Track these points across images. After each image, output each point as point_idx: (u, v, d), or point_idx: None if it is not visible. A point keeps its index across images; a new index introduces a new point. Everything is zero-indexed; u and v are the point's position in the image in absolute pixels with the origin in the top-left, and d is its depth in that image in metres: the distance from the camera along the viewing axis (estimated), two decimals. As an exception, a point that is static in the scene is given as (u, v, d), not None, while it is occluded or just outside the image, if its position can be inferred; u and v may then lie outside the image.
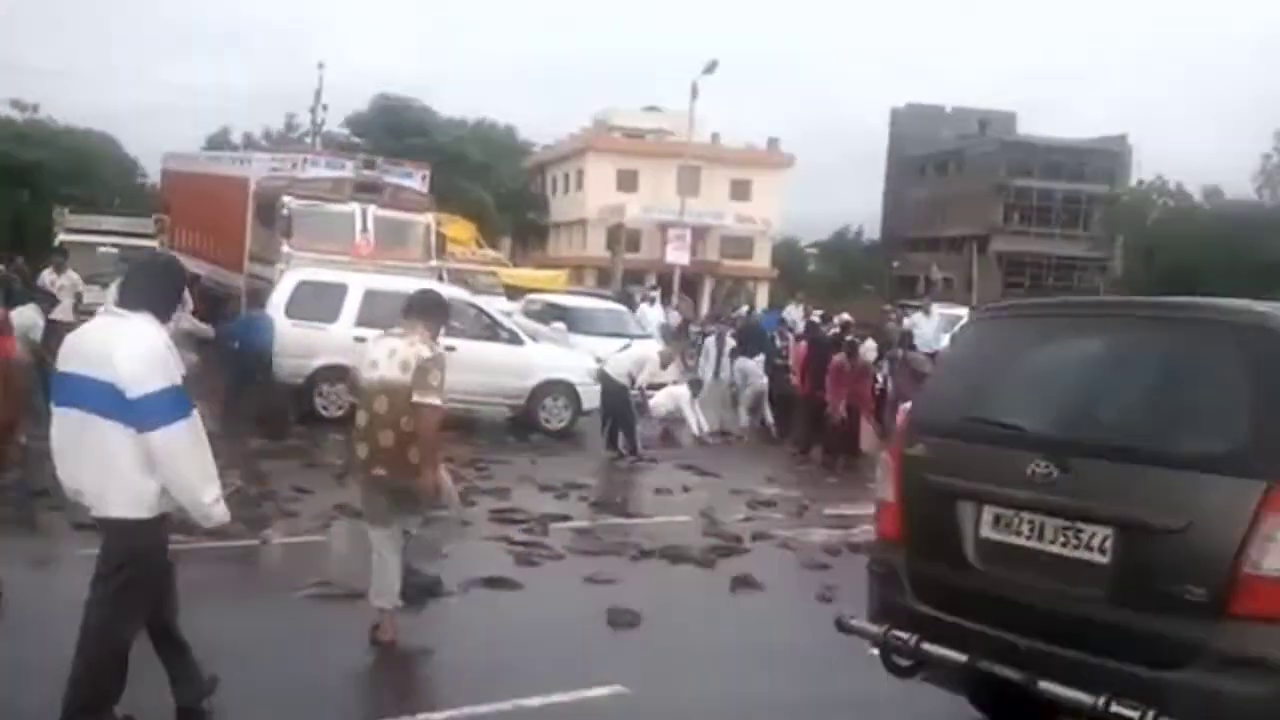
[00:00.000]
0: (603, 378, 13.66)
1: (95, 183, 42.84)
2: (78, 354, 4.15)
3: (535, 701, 5.25)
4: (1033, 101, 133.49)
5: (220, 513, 4.23)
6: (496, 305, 17.34)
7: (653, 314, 22.30)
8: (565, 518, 9.35)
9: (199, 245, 20.34)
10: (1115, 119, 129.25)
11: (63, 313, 13.08)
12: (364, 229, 16.49)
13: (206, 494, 4.15)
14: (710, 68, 36.32)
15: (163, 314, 4.28)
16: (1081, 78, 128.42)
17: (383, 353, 5.73)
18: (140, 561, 4.18)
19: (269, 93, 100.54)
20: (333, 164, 18.54)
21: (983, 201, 65.51)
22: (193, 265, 20.04)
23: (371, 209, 16.68)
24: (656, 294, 26.48)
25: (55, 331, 9.67)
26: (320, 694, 5.11)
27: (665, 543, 8.61)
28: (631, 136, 59.54)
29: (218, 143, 49.69)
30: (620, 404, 13.47)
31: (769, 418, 15.67)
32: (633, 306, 23.16)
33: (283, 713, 4.88)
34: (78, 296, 14.85)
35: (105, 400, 4.02)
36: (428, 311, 5.99)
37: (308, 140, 41.70)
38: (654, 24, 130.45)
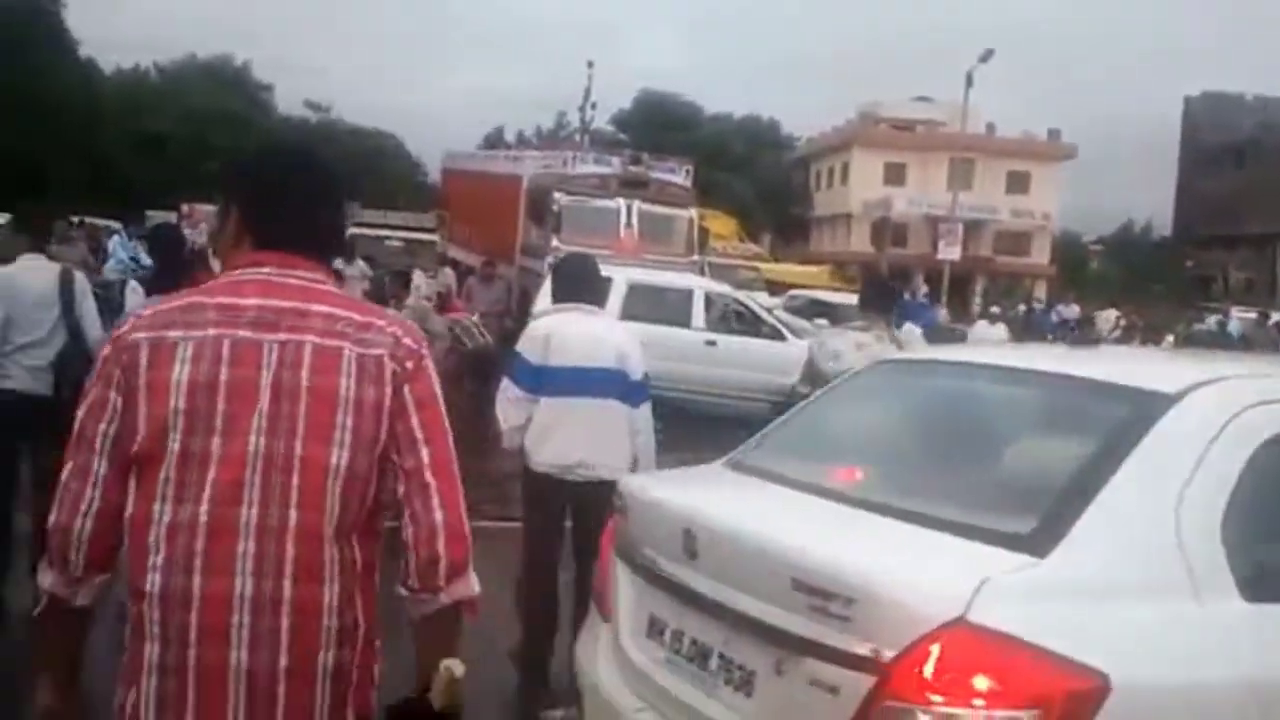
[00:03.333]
0: None
1: (381, 180, 45.66)
2: (573, 350, 4.95)
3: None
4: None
5: None
6: (758, 301, 17.15)
7: (994, 333, 17.40)
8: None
9: (474, 239, 21.19)
10: None
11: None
12: (628, 224, 16.65)
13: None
14: (986, 56, 34.82)
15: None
16: None
17: (849, 345, 6.06)
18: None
19: (541, 94, 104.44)
20: (600, 160, 18.81)
21: (1289, 195, 59.81)
22: (468, 258, 21.05)
23: (636, 204, 16.82)
24: (998, 309, 20.64)
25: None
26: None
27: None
28: (899, 128, 58.05)
29: (493, 142, 51.93)
30: None
31: None
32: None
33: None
34: (366, 283, 15.71)
35: (613, 385, 4.96)
36: (879, 302, 6.47)
37: (576, 138, 42.88)
38: (927, 12, 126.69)
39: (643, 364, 5.10)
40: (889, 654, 2.21)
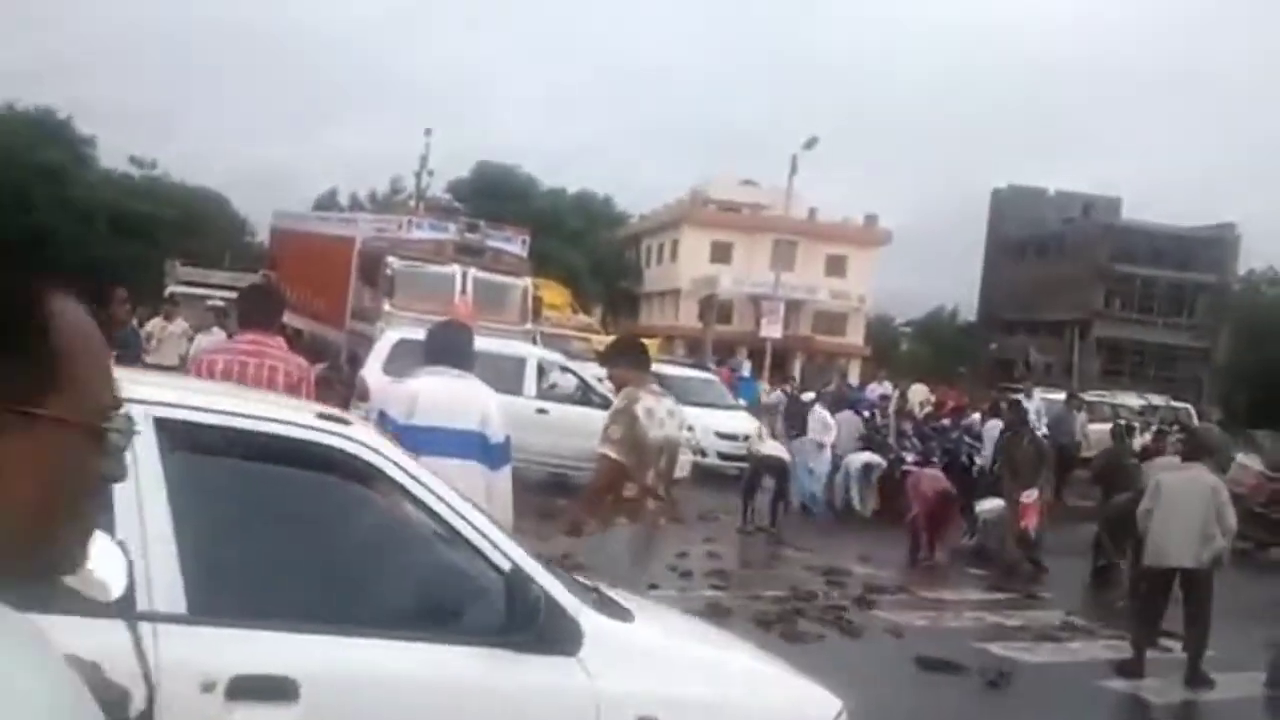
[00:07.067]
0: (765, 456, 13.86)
1: (206, 238, 44.38)
2: (438, 410, 5.09)
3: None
4: (1139, 187, 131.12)
5: None
6: (589, 371, 17.40)
7: (844, 422, 16.01)
8: (652, 586, 9.21)
9: (304, 301, 20.80)
10: (1224, 206, 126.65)
11: (170, 359, 13.45)
12: (463, 290, 16.72)
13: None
14: (810, 143, 36.51)
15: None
16: (1192, 166, 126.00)
17: (664, 411, 5.82)
18: None
19: (376, 158, 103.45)
20: (437, 226, 18.81)
21: (1084, 286, 64.30)
22: (297, 321, 20.65)
23: (471, 271, 16.92)
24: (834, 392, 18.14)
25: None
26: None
27: (747, 614, 8.48)
28: (727, 210, 59.93)
29: (325, 204, 51.22)
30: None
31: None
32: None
33: None
34: (187, 344, 15.28)
35: (472, 447, 5.08)
36: (629, 361, 6.14)
37: (411, 204, 42.71)
38: (757, 97, 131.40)
39: (504, 429, 5.22)
40: None
